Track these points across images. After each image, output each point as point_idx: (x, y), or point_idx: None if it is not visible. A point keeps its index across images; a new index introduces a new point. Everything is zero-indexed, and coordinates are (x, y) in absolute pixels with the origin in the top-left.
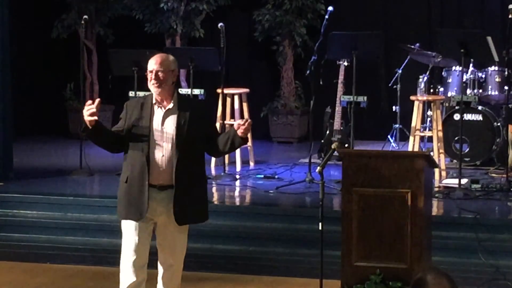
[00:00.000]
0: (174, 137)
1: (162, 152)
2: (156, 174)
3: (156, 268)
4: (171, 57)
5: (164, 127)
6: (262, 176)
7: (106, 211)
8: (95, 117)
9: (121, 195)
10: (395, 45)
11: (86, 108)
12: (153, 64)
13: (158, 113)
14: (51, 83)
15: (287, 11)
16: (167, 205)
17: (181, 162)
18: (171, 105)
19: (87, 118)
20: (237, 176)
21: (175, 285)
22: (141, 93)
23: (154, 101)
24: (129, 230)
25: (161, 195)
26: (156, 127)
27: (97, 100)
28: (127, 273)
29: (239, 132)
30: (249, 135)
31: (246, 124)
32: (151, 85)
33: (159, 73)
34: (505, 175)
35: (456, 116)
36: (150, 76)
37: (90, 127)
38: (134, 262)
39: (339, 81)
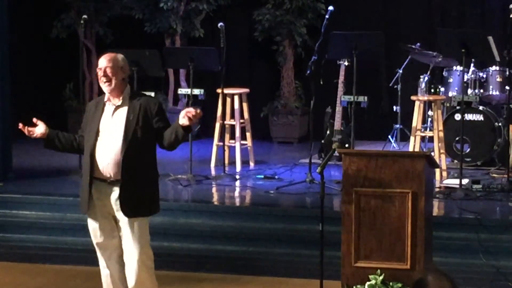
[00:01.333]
0: (123, 132)
1: (110, 147)
2: (104, 169)
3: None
4: (121, 55)
5: (113, 122)
6: (262, 176)
7: None
8: (41, 132)
9: (80, 189)
10: (396, 45)
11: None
12: (102, 62)
13: (108, 109)
14: (51, 83)
15: (287, 11)
16: (117, 198)
17: (128, 157)
18: (120, 102)
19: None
20: (237, 176)
21: (139, 284)
22: None
23: (106, 99)
24: (91, 225)
25: (111, 189)
26: (105, 123)
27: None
28: (101, 267)
29: (184, 118)
30: (249, 135)
31: (194, 113)
32: (101, 82)
33: (107, 69)
34: (506, 176)
35: (457, 116)
36: (100, 74)
37: (46, 139)
38: (101, 255)
39: (339, 81)
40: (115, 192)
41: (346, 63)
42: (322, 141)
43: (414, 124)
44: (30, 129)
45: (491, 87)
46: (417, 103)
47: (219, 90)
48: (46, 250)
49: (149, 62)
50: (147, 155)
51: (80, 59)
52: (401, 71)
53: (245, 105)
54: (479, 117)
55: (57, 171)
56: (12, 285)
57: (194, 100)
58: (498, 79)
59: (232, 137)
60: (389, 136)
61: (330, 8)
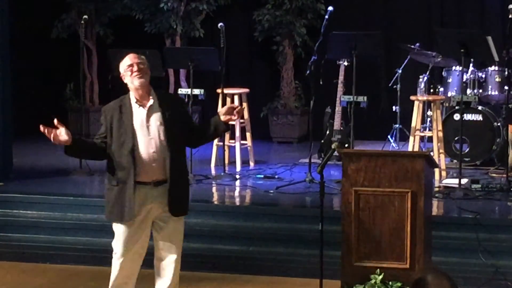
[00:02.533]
0: (163, 133)
1: (152, 149)
2: (149, 172)
3: (150, 267)
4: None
5: (149, 124)
6: (262, 176)
7: None
8: (66, 138)
9: (111, 197)
10: (395, 45)
11: (53, 136)
12: (130, 59)
13: (140, 111)
14: (51, 83)
15: (287, 11)
16: (162, 200)
17: (172, 157)
18: (151, 102)
19: (60, 142)
20: (237, 176)
21: (174, 282)
22: None
23: (134, 101)
24: (123, 232)
25: (156, 191)
26: (140, 125)
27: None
28: (119, 275)
29: (227, 116)
30: (248, 135)
31: (240, 109)
32: (134, 77)
33: (140, 65)
34: (505, 175)
35: (456, 116)
36: (131, 69)
37: (69, 145)
38: (124, 264)
39: (339, 81)
40: (160, 193)
41: (345, 63)
42: (322, 141)
43: (413, 124)
44: (54, 132)
45: (490, 87)
46: (416, 103)
47: (219, 90)
48: (47, 250)
49: (149, 62)
50: (183, 153)
51: (80, 59)
52: (400, 71)
53: (245, 105)
54: (478, 117)
55: (57, 171)
56: (13, 284)
57: (194, 100)
58: (497, 79)
59: (232, 137)
60: (389, 136)
61: (330, 8)
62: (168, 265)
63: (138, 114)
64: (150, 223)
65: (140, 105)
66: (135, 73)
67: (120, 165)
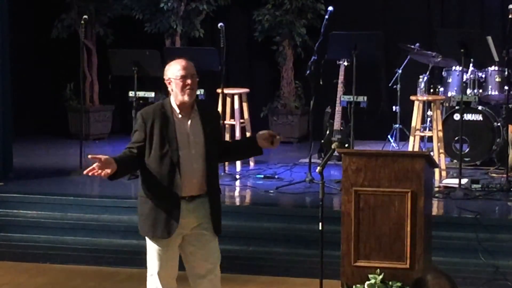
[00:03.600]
0: (205, 146)
1: (193, 163)
2: (188, 186)
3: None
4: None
5: (192, 136)
6: (262, 176)
7: (106, 211)
8: (110, 169)
9: (146, 211)
10: (395, 45)
11: (100, 171)
12: (183, 69)
13: (183, 123)
14: (51, 83)
15: (287, 11)
16: (197, 215)
17: (211, 171)
18: (194, 114)
19: (108, 174)
20: (237, 176)
21: None
22: (140, 93)
23: (177, 111)
24: (158, 248)
25: (190, 206)
26: (183, 137)
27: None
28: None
29: (267, 143)
30: (248, 135)
31: (278, 138)
32: (185, 91)
33: (194, 77)
34: (505, 175)
35: (456, 116)
36: (184, 82)
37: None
38: (163, 282)
39: (339, 81)
40: (194, 208)
41: (345, 63)
42: (322, 141)
43: (413, 124)
44: (98, 166)
45: (490, 87)
46: (416, 103)
47: (219, 90)
48: (46, 250)
49: (149, 62)
50: (218, 169)
51: (80, 59)
52: (400, 71)
53: (245, 105)
54: (478, 117)
55: (57, 171)
56: (12, 284)
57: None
58: (497, 79)
59: (232, 137)
60: (389, 136)
61: (330, 8)
62: (207, 283)
63: (181, 126)
64: (181, 239)
65: (182, 116)
66: (188, 88)
67: (158, 177)
